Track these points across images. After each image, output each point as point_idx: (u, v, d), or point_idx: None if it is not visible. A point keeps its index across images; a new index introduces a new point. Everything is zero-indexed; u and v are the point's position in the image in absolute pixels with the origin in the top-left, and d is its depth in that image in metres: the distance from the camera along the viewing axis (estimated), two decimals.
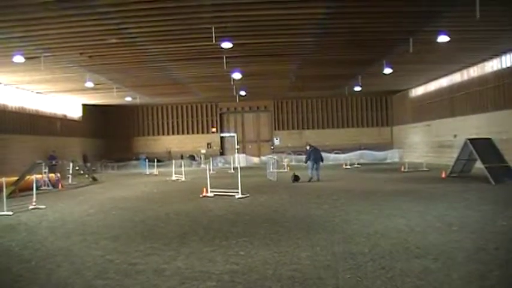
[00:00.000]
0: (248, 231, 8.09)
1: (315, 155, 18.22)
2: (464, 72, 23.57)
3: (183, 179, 21.24)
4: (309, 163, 18.32)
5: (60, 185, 19.16)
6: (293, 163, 30.70)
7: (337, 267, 5.57)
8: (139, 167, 31.60)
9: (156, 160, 29.31)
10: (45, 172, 19.12)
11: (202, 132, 36.35)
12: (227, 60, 17.46)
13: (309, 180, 17.77)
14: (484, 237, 6.90)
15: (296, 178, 17.89)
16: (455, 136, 23.94)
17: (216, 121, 36.39)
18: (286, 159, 30.07)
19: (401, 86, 29.85)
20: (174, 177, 21.85)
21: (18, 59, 15.32)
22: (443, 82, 26.27)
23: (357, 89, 27.23)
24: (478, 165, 16.37)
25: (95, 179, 22.34)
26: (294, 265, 5.77)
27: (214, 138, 36.35)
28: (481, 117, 21.73)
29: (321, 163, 18.51)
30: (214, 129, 36.35)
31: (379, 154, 33.13)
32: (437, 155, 26.80)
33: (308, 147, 18.79)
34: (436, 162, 25.74)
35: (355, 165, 27.74)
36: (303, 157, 21.68)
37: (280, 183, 17.89)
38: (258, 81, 24.63)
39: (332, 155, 32.73)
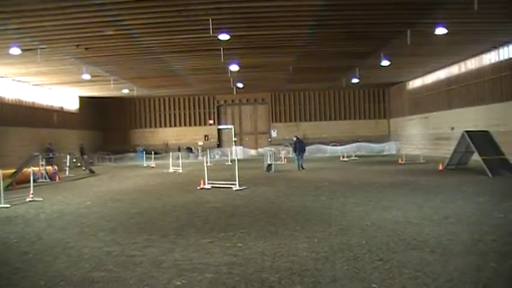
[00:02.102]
0: (246, 223, 8.11)
1: (299, 147, 20.05)
2: (462, 64, 23.55)
3: (181, 171, 21.25)
4: (295, 154, 20.29)
5: (57, 178, 19.15)
6: (290, 155, 30.68)
7: (335, 259, 5.59)
8: (137, 159, 31.59)
9: (153, 152, 29.32)
10: (42, 165, 19.09)
11: (200, 125, 36.30)
12: (224, 52, 17.37)
13: (299, 169, 19.65)
14: (481, 229, 6.94)
15: (269, 168, 19.54)
16: (452, 128, 23.97)
17: (214, 113, 36.33)
18: (283, 151, 30.07)
19: (399, 78, 29.82)
20: (171, 170, 21.85)
21: (15, 51, 15.19)
22: (441, 74, 26.25)
23: (354, 81, 27.18)
24: (475, 157, 16.43)
25: (92, 172, 22.33)
26: (292, 257, 5.78)
27: (211, 130, 36.30)
28: (479, 110, 21.75)
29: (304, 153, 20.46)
30: (211, 122, 36.28)
31: (376, 146, 33.15)
32: (435, 147, 26.85)
33: (295, 139, 20.79)
34: (433, 154, 25.79)
35: (353, 158, 27.74)
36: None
37: (277, 175, 17.97)
38: (255, 74, 24.56)
39: (329, 147, 32.76)
